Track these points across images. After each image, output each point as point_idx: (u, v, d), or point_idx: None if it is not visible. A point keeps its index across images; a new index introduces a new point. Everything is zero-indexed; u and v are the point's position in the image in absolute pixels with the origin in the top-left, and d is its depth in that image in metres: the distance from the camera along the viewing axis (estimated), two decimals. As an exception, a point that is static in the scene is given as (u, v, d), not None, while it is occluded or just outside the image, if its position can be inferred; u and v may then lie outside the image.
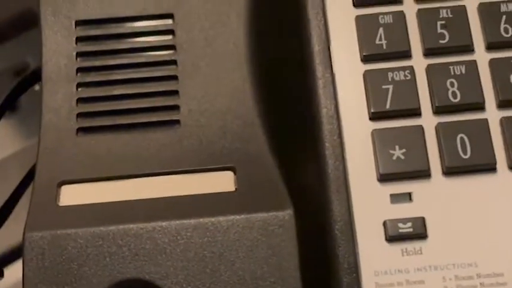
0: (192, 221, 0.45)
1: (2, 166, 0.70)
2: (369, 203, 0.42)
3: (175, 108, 0.49)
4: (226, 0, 0.51)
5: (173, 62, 0.50)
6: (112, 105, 0.50)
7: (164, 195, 0.46)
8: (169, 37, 0.51)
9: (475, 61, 0.44)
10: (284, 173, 0.46)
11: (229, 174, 0.47)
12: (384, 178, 0.43)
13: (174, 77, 0.50)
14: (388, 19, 0.45)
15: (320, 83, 0.45)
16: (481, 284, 0.41)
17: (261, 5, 0.50)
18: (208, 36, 0.50)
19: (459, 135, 0.43)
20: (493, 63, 0.44)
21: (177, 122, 0.49)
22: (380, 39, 0.45)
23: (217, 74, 0.49)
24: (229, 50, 0.50)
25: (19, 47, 0.73)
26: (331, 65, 0.45)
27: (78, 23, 0.51)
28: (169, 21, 0.51)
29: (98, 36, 0.51)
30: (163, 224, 0.45)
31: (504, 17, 0.45)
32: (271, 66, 0.48)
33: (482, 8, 0.45)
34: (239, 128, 0.48)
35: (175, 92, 0.49)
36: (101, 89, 0.50)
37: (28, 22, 0.69)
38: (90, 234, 0.45)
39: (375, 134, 0.43)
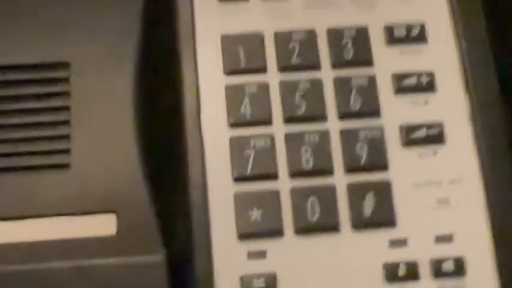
0: (73, 263, 0.44)
1: None
2: (229, 259, 0.43)
3: (66, 152, 0.48)
4: (118, 54, 0.50)
5: (66, 108, 0.49)
6: (7, 147, 0.49)
7: (49, 238, 0.46)
8: (64, 84, 0.49)
9: (327, 130, 0.44)
10: (160, 220, 0.45)
11: (112, 218, 0.46)
12: (243, 237, 0.43)
13: (66, 122, 0.48)
14: (254, 89, 0.45)
15: (190, 146, 0.44)
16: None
17: (148, 63, 0.49)
18: (100, 85, 0.49)
19: (310, 199, 0.43)
20: (343, 132, 0.44)
21: (67, 165, 0.47)
22: (245, 108, 0.44)
23: (106, 122, 0.49)
24: (118, 100, 0.49)
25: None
26: (200, 129, 0.44)
27: (-21, 69, 0.49)
28: (65, 69, 0.50)
29: (-3, 82, 0.49)
30: (47, 265, 0.44)
31: (354, 90, 0.45)
32: (155, 120, 0.48)
33: (337, 82, 0.45)
34: (123, 174, 0.47)
35: (66, 137, 0.48)
36: (-3, 132, 0.49)
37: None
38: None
39: (236, 196, 0.43)
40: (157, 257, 0.47)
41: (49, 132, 0.51)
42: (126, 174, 0.49)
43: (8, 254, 0.46)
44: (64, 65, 0.52)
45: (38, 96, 0.51)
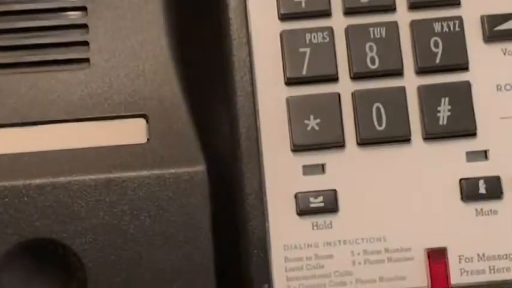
0: (101, 177, 0.39)
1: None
2: (282, 174, 0.38)
3: (83, 44, 0.42)
4: None
5: (82, -8, 0.43)
6: (14, 39, 0.43)
7: (69, 147, 0.41)
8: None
9: (396, 22, 0.39)
10: (198, 126, 0.40)
11: (141, 123, 0.41)
12: (297, 149, 0.38)
13: (83, 8, 0.42)
14: (309, -27, 0.39)
15: (235, 43, 0.38)
16: (388, 258, 0.38)
17: None
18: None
19: (375, 105, 0.38)
20: (414, 25, 0.38)
21: (86, 60, 0.41)
22: (299, -5, 0.39)
23: (129, 6, 0.42)
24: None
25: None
26: (247, 23, 0.38)
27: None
28: None
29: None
30: (70, 179, 0.39)
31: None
32: (188, 12, 0.42)
33: (407, -37, 0.39)
34: (152, 70, 0.41)
35: (84, 26, 0.42)
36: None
37: None
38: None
39: (290, 101, 0.38)
40: (196, 169, 0.41)
41: (63, 21, 0.44)
42: (156, 72, 0.43)
43: (21, 166, 0.41)
44: None
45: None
